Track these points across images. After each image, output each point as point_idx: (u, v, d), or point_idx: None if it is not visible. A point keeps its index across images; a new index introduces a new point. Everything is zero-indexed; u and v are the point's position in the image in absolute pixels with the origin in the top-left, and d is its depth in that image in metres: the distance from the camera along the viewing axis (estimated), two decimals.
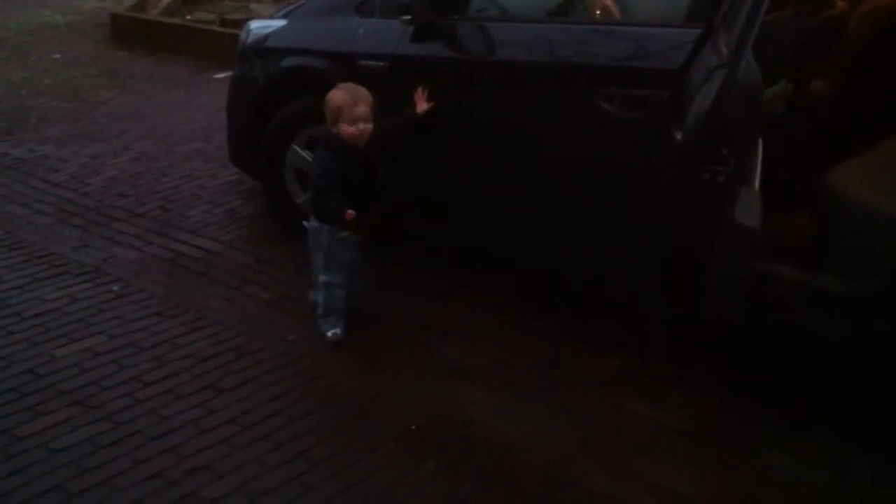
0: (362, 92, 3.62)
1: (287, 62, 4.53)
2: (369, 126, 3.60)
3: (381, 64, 4.07)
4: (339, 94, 3.61)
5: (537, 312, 3.98)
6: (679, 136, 2.89)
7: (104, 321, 3.87)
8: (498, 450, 3.16)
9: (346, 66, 4.18)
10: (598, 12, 3.83)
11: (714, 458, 3.16)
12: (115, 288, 4.15)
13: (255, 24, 4.90)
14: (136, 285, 4.18)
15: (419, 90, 3.87)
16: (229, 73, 5.17)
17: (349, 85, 3.66)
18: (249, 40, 4.80)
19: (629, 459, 3.14)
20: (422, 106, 3.86)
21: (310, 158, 4.40)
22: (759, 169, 2.99)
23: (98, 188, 5.28)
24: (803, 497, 3.01)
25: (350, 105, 3.57)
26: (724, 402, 3.45)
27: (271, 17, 5.04)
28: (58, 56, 8.25)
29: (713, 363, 3.64)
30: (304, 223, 3.83)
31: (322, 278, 3.77)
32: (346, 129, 3.58)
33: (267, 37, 4.67)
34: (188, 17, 9.06)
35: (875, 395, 3.30)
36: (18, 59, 8.12)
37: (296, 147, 4.48)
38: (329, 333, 3.78)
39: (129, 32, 8.70)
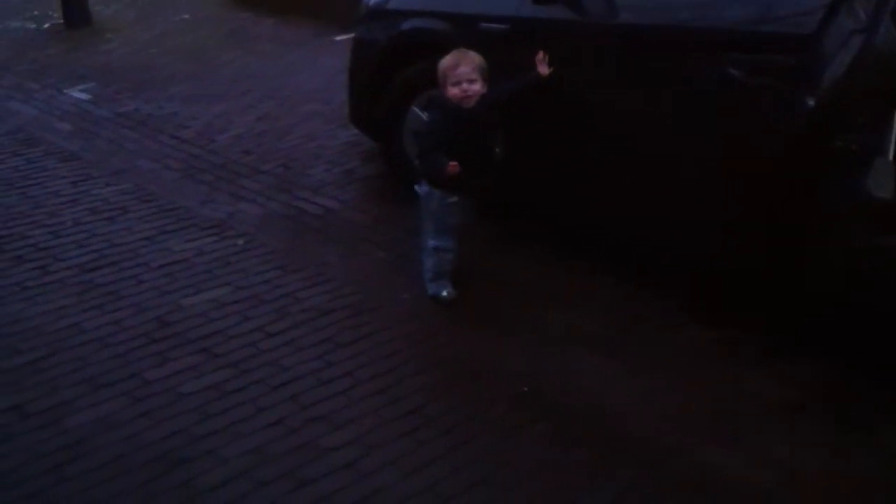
0: (469, 54, 3.65)
1: (408, 24, 4.56)
2: (474, 87, 3.61)
3: (502, 27, 4.06)
4: (444, 59, 3.66)
5: (651, 281, 3.94)
6: (811, 104, 2.81)
7: (229, 273, 4.01)
8: (608, 417, 3.16)
9: (466, 28, 4.18)
10: None
11: (829, 434, 3.10)
12: (240, 242, 4.29)
13: None
14: (259, 240, 4.31)
15: (539, 54, 3.84)
16: (349, 36, 5.24)
17: (458, 49, 3.69)
18: (371, 2, 4.84)
19: (741, 432, 3.10)
20: (542, 70, 3.83)
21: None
22: (894, 139, 2.88)
23: (224, 145, 5.45)
24: None
25: (452, 67, 3.61)
26: (840, 377, 3.37)
27: None
28: (185, 16, 8.49)
29: (829, 336, 3.54)
30: (416, 187, 3.87)
31: (431, 243, 3.81)
32: (450, 91, 3.62)
33: None
34: None
35: None
36: (148, 20, 8.39)
37: (415, 109, 4.52)
38: (443, 293, 3.83)
39: None
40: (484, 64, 3.65)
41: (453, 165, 3.53)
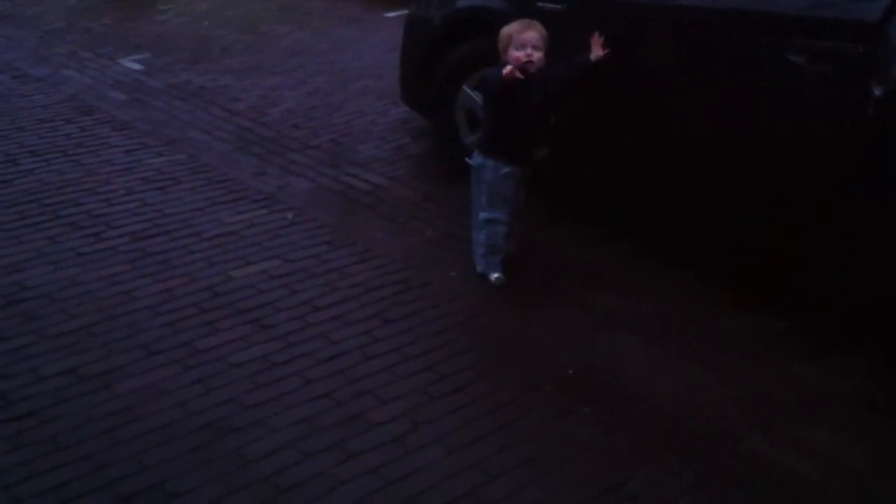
0: (535, 23, 3.66)
1: (463, 2, 4.55)
2: (538, 54, 3.61)
3: (559, 6, 4.02)
4: (509, 25, 3.68)
5: (699, 267, 3.92)
6: (879, 93, 2.76)
7: (279, 246, 4.04)
8: (653, 403, 3.15)
9: (522, 7, 4.14)
10: None
11: (879, 427, 3.06)
12: (289, 215, 4.32)
13: None
14: (308, 214, 4.34)
15: (595, 35, 3.81)
16: (401, 13, 5.24)
17: (523, 19, 3.70)
18: None
19: (790, 424, 3.07)
20: (597, 52, 3.79)
21: (479, 100, 4.43)
22: None
23: (275, 119, 5.48)
24: None
25: (519, 31, 3.62)
26: (890, 370, 3.33)
27: None
28: None
29: (881, 329, 3.50)
30: (467, 159, 3.87)
31: (483, 215, 3.80)
32: (514, 54, 3.61)
33: None
34: None
35: None
36: None
37: (467, 88, 4.51)
38: (493, 277, 3.81)
39: None
40: (547, 36, 3.65)
41: (509, 70, 3.47)
